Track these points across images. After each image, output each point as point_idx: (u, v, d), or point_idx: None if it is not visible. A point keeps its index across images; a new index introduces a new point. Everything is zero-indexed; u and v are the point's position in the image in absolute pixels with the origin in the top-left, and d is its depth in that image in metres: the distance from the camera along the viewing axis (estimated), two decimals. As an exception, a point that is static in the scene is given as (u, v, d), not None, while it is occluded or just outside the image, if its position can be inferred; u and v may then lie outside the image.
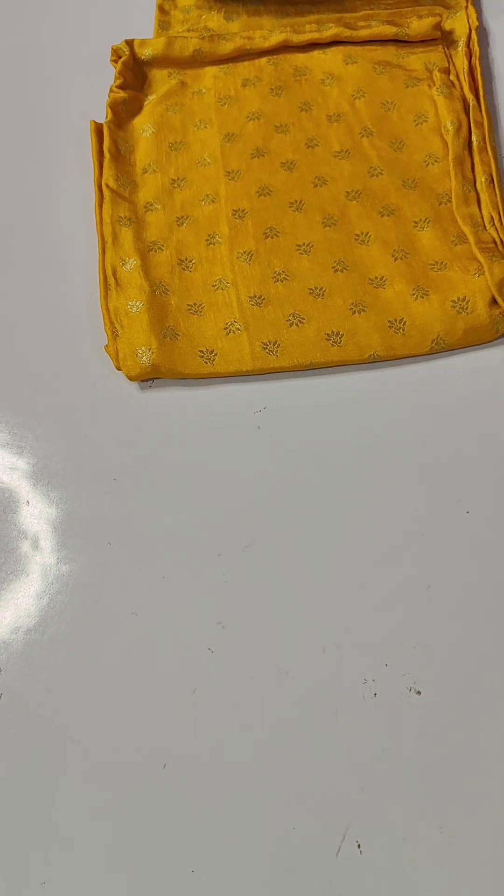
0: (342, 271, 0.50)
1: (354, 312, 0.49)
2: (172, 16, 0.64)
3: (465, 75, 0.57)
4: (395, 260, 0.50)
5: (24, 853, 0.38)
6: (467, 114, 0.55)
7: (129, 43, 0.60)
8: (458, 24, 0.60)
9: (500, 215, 0.51)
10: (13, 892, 0.38)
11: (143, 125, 0.57)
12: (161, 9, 0.64)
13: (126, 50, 0.60)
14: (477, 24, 0.59)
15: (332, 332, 0.48)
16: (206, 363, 0.48)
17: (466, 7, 0.60)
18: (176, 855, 0.38)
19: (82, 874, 0.38)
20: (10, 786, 0.40)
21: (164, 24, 0.63)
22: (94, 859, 0.38)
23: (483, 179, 0.52)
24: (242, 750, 0.39)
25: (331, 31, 0.59)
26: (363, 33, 0.59)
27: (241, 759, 0.39)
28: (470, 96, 0.55)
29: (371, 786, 0.38)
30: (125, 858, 0.38)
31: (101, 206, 0.54)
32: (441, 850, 0.37)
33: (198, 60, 0.60)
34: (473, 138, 0.54)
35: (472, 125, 0.54)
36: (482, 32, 0.60)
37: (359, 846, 0.37)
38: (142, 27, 0.63)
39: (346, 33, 0.59)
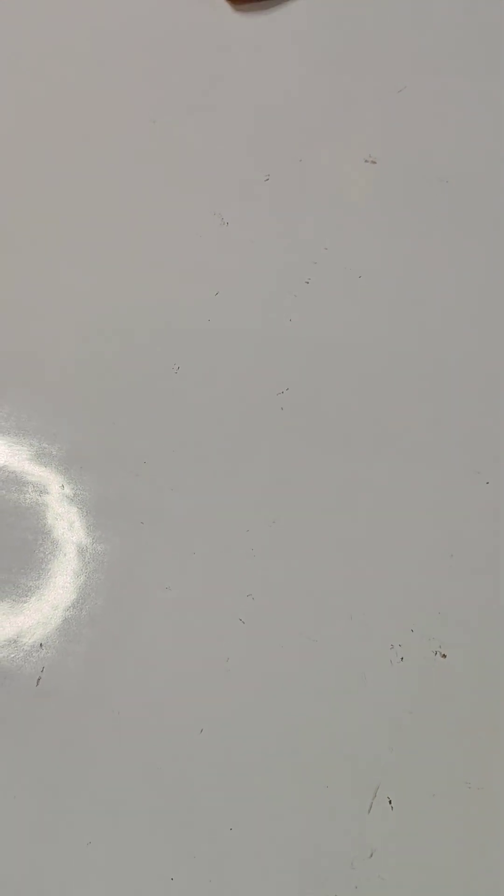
0: None
1: None
2: None
3: None
4: None
5: (68, 818, 0.40)
6: None
7: None
8: None
9: None
10: (59, 855, 0.40)
11: None
12: None
13: None
14: None
15: None
16: None
17: None
18: (215, 814, 0.39)
19: (125, 836, 0.40)
20: (52, 755, 0.42)
21: None
22: (136, 822, 0.40)
23: None
24: (275, 714, 0.41)
25: None
26: None
27: (275, 723, 0.41)
28: None
29: (400, 745, 0.40)
30: (166, 820, 0.40)
31: None
32: (469, 804, 0.38)
33: None
34: None
35: None
36: None
37: (390, 802, 0.39)
38: None
39: None
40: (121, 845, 0.40)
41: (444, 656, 0.41)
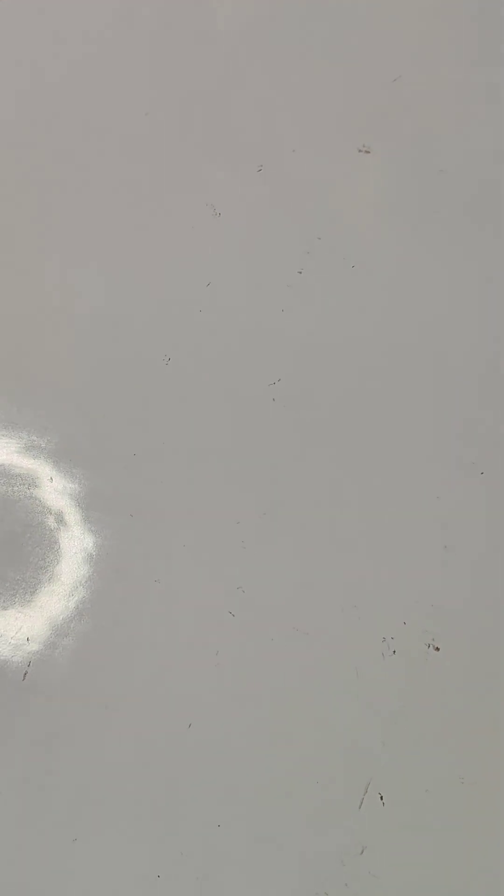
0: None
1: None
2: None
3: None
4: None
5: (56, 812, 0.39)
6: None
7: None
8: None
9: None
10: (48, 849, 0.39)
11: None
12: None
13: None
14: None
15: None
16: None
17: None
18: (202, 810, 0.39)
19: (112, 832, 0.39)
20: (40, 750, 0.41)
21: None
22: (123, 818, 0.39)
23: None
24: (265, 708, 0.40)
25: None
26: None
27: (264, 717, 0.40)
28: None
29: (392, 739, 0.39)
30: (154, 816, 0.39)
31: None
32: (463, 799, 0.37)
33: None
34: None
35: None
36: None
37: (381, 798, 0.38)
38: None
39: None
40: (107, 842, 0.39)
41: (438, 649, 0.41)
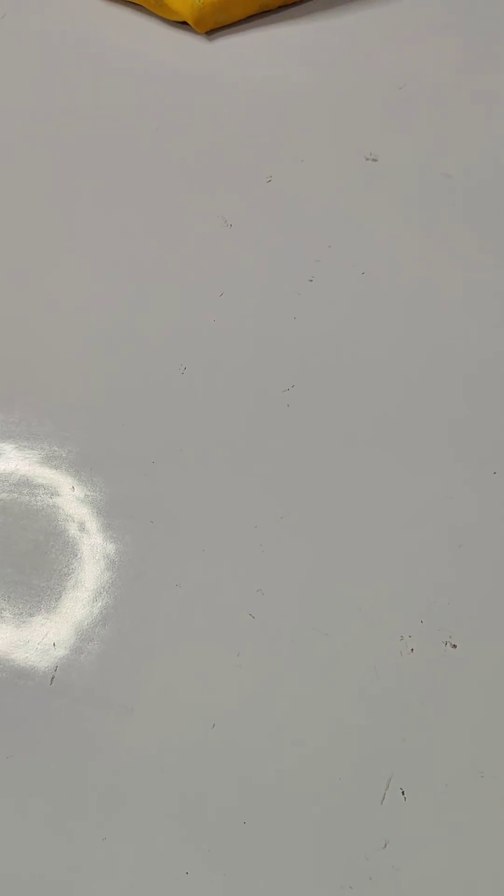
0: None
1: None
2: None
3: None
4: None
5: (85, 813, 0.41)
6: None
7: None
8: None
9: None
10: (77, 848, 0.40)
11: None
12: None
13: None
14: None
15: None
16: None
17: None
18: (227, 809, 0.40)
19: (140, 832, 0.40)
20: (66, 753, 0.42)
21: None
22: (151, 817, 0.40)
23: None
24: (286, 707, 0.41)
25: None
26: None
27: (285, 717, 0.41)
28: None
29: (412, 736, 0.40)
30: (180, 815, 0.40)
31: None
32: (483, 794, 0.38)
33: None
34: None
35: None
36: None
37: (402, 793, 0.39)
38: None
39: None
40: (135, 841, 0.40)
41: (455, 646, 0.41)
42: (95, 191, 0.59)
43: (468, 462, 0.46)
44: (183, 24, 0.65)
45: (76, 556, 0.47)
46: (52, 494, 0.49)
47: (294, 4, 0.64)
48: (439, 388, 0.48)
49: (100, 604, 0.46)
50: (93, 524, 0.48)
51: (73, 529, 0.48)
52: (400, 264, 0.54)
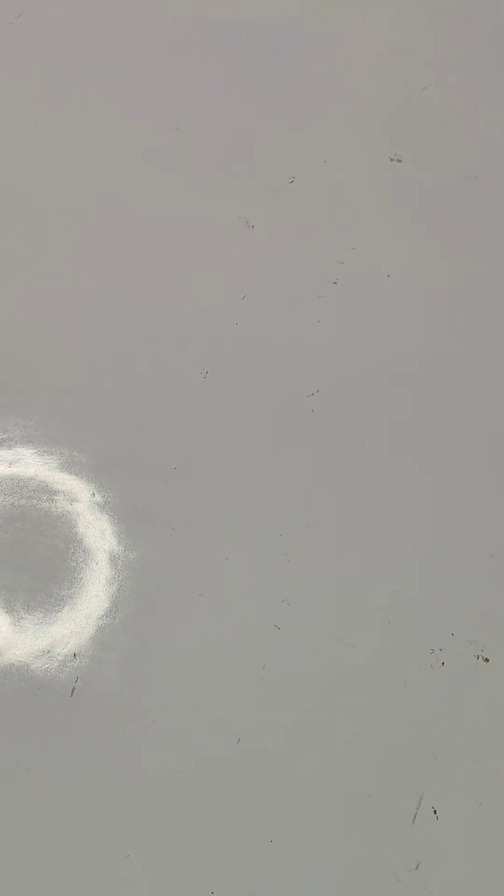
0: None
1: None
2: None
3: None
4: None
5: (108, 828, 0.40)
6: None
7: None
8: None
9: None
10: (100, 865, 0.39)
11: None
12: None
13: None
14: None
15: None
16: None
17: None
18: (254, 825, 0.38)
19: (163, 848, 0.39)
20: (88, 764, 0.41)
21: None
22: (174, 833, 0.39)
23: None
24: (313, 722, 0.40)
25: None
26: None
27: (313, 731, 0.40)
28: None
29: (443, 752, 0.39)
30: (205, 831, 0.39)
31: None
32: (517, 813, 0.37)
33: None
34: None
35: None
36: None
37: (435, 812, 0.38)
38: None
39: None
40: (159, 858, 0.39)
41: (487, 660, 0.40)
42: (117, 192, 0.58)
43: (499, 470, 0.45)
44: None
45: (97, 563, 0.46)
46: (71, 500, 0.48)
47: None
48: (470, 395, 0.47)
49: (121, 613, 0.45)
50: (113, 531, 0.47)
51: (93, 536, 0.47)
52: (425, 266, 0.53)
